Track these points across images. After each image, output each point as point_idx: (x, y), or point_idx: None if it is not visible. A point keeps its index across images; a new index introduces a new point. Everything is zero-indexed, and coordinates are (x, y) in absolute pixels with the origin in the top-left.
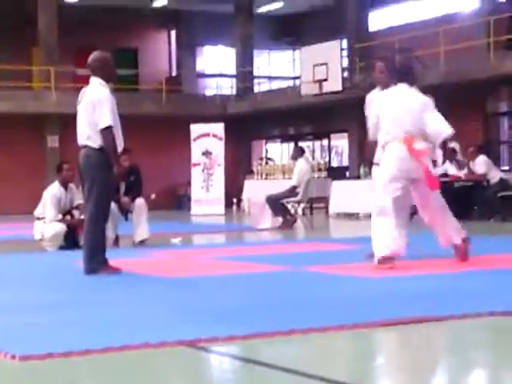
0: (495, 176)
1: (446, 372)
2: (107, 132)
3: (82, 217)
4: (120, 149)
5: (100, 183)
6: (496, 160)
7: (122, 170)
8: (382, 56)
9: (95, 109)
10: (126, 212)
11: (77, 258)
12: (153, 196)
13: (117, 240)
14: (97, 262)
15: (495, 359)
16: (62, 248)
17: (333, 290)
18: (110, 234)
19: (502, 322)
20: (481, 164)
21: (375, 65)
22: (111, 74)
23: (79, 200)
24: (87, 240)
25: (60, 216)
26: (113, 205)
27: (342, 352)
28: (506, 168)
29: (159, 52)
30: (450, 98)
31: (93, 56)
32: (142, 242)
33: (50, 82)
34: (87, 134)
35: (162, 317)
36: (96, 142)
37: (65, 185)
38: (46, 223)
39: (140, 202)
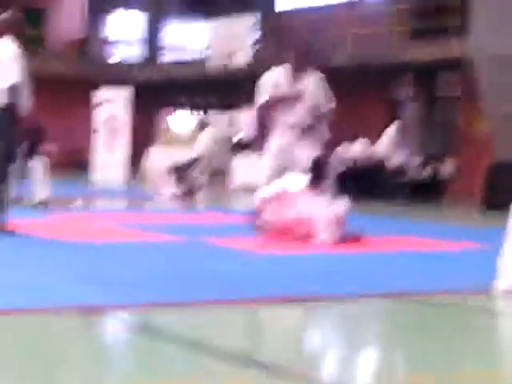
0: (395, 160)
1: (341, 351)
2: (13, 89)
3: None
4: (27, 108)
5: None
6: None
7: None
8: (298, 43)
9: (3, 66)
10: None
11: None
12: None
13: (16, 200)
14: None
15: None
16: None
17: (225, 264)
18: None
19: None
20: (381, 147)
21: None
22: (20, 33)
23: None
24: None
25: None
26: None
27: (233, 324)
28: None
29: (69, 13)
30: (357, 80)
31: (3, 15)
32: (40, 203)
33: None
34: None
35: (57, 282)
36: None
37: None
38: None
39: (41, 161)
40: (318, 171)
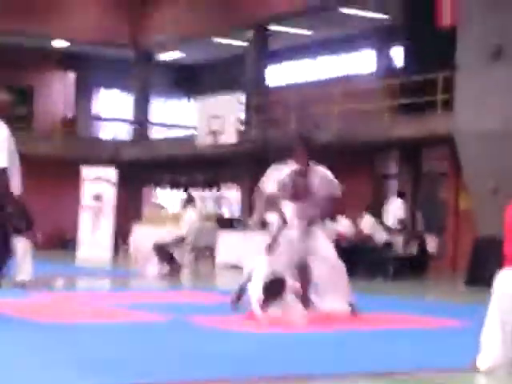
0: (380, 237)
1: None
2: (1, 173)
3: None
4: (19, 190)
5: None
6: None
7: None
8: (305, 140)
9: None
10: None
11: None
12: (39, 236)
13: None
14: None
15: None
16: None
17: (212, 344)
18: None
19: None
20: (366, 224)
21: (299, 150)
22: (7, 114)
23: None
24: None
25: None
26: None
27: None
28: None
29: (56, 92)
30: (342, 157)
31: None
32: (22, 283)
33: None
34: None
35: (35, 366)
36: None
37: None
38: None
39: (25, 241)
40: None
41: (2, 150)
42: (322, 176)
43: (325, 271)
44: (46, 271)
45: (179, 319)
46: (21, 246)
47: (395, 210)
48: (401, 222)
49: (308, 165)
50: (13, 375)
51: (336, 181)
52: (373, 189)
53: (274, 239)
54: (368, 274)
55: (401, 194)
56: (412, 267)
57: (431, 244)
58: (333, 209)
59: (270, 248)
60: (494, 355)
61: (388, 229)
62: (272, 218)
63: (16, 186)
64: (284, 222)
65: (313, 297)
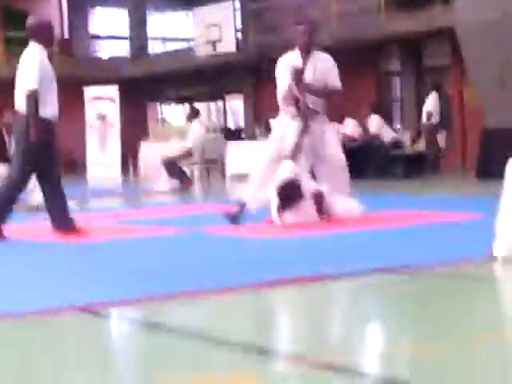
0: (388, 135)
1: (344, 328)
2: (30, 96)
3: None
4: (54, 115)
5: (22, 151)
6: (389, 119)
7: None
8: (307, 20)
9: (25, 73)
10: None
11: None
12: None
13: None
14: None
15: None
16: None
17: (229, 252)
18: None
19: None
20: (373, 123)
21: (300, 29)
22: (48, 39)
23: None
24: None
25: None
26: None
27: (243, 313)
28: (398, 127)
29: (50, 14)
30: (343, 58)
31: (30, 20)
32: (36, 207)
33: None
34: (19, 99)
35: (59, 282)
36: (23, 107)
37: None
38: None
39: None
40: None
41: (33, 72)
42: (324, 60)
43: (332, 173)
44: None
45: (195, 231)
46: None
47: (427, 103)
48: (428, 114)
49: (310, 46)
50: (40, 292)
51: (337, 72)
52: (377, 88)
53: (297, 145)
54: (377, 173)
55: (436, 87)
56: (421, 164)
57: (440, 139)
58: (335, 104)
59: (293, 154)
60: (510, 242)
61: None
62: (277, 124)
63: (52, 111)
64: (305, 125)
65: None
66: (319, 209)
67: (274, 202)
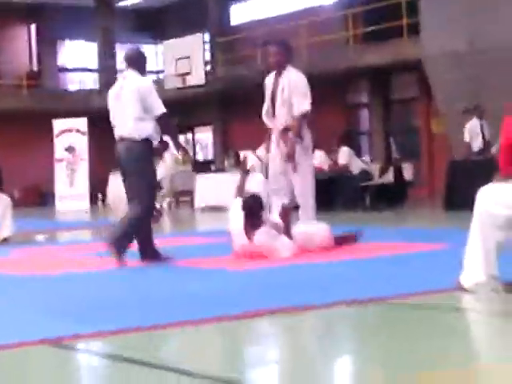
0: (357, 166)
1: (313, 360)
2: (165, 118)
3: None
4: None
5: (146, 176)
6: (357, 151)
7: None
8: (276, 40)
9: (143, 98)
10: None
11: None
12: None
13: None
14: None
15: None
16: None
17: (199, 284)
18: None
19: (363, 310)
20: (343, 155)
21: (270, 49)
22: (145, 67)
23: None
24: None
25: None
26: None
27: (211, 344)
28: (366, 158)
29: (19, 46)
30: (312, 90)
31: (129, 50)
32: (4, 240)
33: None
34: (129, 126)
35: (22, 316)
36: (138, 133)
37: None
38: None
39: (5, 197)
40: None
41: (156, 96)
42: (293, 78)
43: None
44: (25, 227)
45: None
46: (0, 202)
47: (471, 127)
48: (485, 142)
49: (280, 65)
50: (19, 325)
51: (308, 93)
52: (345, 119)
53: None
54: (346, 204)
55: (470, 110)
56: (389, 196)
57: (407, 171)
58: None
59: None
60: (477, 272)
61: (363, 160)
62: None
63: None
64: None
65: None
66: (286, 223)
67: (238, 227)
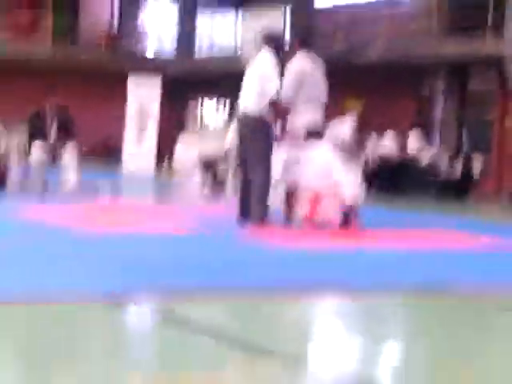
0: (425, 157)
1: (340, 339)
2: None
3: None
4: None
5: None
6: (428, 139)
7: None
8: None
9: (266, 78)
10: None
11: None
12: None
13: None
14: None
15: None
16: None
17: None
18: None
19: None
20: (412, 142)
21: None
22: (280, 47)
23: None
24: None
25: None
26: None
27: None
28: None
29: (102, 6)
30: (388, 77)
31: (268, 30)
32: (68, 190)
33: None
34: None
35: (81, 272)
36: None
37: None
38: None
39: (71, 148)
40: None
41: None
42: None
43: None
44: (91, 179)
45: (220, 232)
46: (67, 153)
47: None
48: None
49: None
50: (60, 280)
51: (324, 85)
52: (419, 107)
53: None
54: (411, 193)
55: None
56: (457, 189)
57: (477, 164)
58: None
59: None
60: None
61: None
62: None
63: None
64: None
65: None
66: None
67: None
